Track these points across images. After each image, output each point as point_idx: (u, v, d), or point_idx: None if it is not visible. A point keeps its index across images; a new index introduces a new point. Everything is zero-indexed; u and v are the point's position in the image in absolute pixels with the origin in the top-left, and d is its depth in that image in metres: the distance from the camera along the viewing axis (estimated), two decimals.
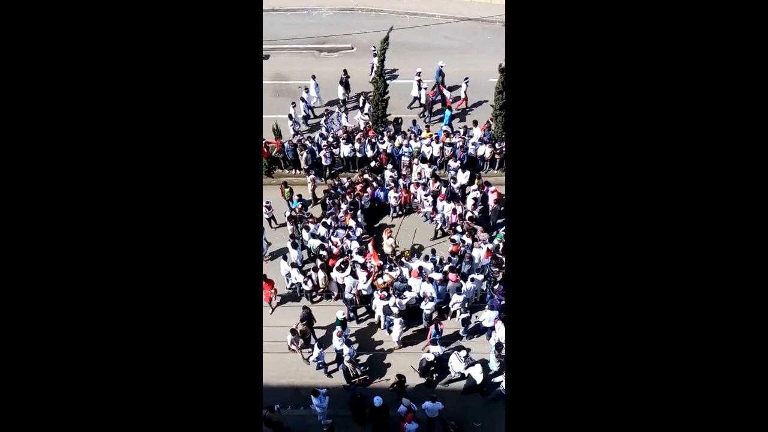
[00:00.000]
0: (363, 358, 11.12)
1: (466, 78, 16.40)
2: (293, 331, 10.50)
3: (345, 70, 16.80)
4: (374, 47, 18.02)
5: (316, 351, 10.38)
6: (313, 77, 16.39)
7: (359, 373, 10.47)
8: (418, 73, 16.29)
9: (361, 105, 15.90)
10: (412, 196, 13.80)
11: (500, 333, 10.58)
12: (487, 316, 11.00)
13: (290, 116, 15.29)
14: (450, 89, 16.66)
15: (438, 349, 10.35)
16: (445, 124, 15.43)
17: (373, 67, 17.67)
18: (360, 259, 11.76)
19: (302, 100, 16.14)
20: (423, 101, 16.51)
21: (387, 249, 12.54)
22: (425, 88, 16.19)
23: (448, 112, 15.72)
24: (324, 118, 15.52)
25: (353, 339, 11.23)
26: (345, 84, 16.77)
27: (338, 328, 10.51)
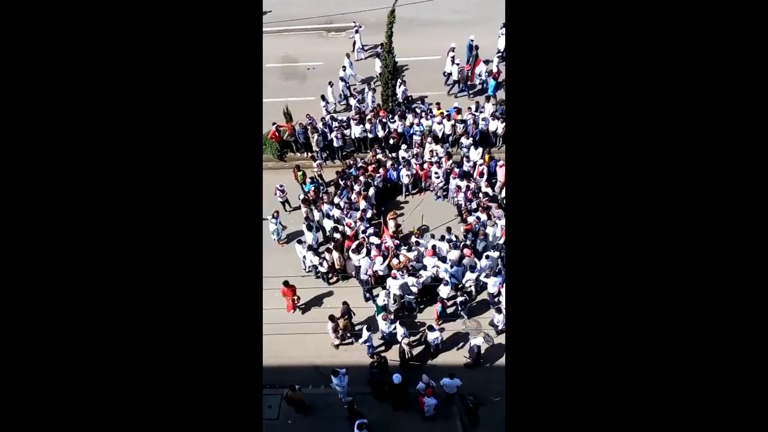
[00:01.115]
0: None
1: (499, 52, 16.11)
2: (332, 318, 10.60)
3: (382, 44, 16.61)
4: (355, 22, 17.85)
5: (365, 334, 10.48)
6: (348, 55, 16.22)
7: (413, 354, 10.49)
8: (452, 49, 16.08)
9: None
10: (426, 174, 13.76)
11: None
12: (491, 282, 11.09)
13: (323, 97, 15.20)
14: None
15: (437, 334, 10.43)
16: (491, 94, 15.30)
17: (354, 44, 17.54)
18: (375, 240, 11.83)
19: (341, 79, 16.03)
20: (456, 77, 16.29)
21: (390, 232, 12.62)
22: (458, 64, 15.98)
23: (492, 82, 15.50)
24: (358, 97, 15.47)
25: (368, 321, 11.38)
26: (384, 58, 16.68)
27: (383, 313, 10.62)
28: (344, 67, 16.13)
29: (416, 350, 10.83)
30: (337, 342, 11.04)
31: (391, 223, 12.56)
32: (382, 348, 11.07)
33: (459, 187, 12.98)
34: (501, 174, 13.15)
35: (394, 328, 10.57)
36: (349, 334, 11.04)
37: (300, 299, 11.67)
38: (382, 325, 10.50)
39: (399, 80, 15.64)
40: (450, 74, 16.45)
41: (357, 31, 17.62)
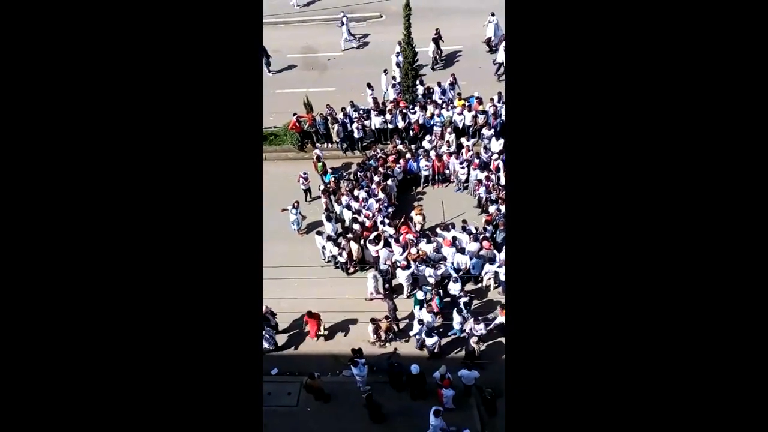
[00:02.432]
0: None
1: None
2: (374, 321, 10.61)
3: (437, 29, 16.65)
4: (342, 12, 17.78)
5: (417, 327, 10.51)
6: (399, 43, 16.14)
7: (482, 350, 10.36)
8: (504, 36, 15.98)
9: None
10: (444, 165, 13.69)
11: None
12: (503, 271, 11.05)
13: (369, 85, 15.13)
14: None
15: (435, 339, 10.35)
16: None
17: (342, 36, 17.62)
18: (391, 231, 11.86)
19: (397, 65, 16.03)
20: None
21: (416, 226, 12.59)
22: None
23: None
24: (398, 87, 15.48)
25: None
26: (436, 42, 16.74)
27: (425, 306, 10.58)
28: (398, 53, 16.02)
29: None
30: (376, 343, 10.97)
31: (418, 218, 12.53)
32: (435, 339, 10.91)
33: (480, 181, 12.89)
34: None
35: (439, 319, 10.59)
36: (389, 336, 10.94)
37: (324, 326, 11.24)
38: (427, 317, 10.49)
39: (452, 76, 15.38)
40: (501, 64, 16.23)
41: (343, 23, 17.65)
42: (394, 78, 15.86)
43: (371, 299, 11.49)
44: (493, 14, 16.70)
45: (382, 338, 10.84)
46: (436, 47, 16.78)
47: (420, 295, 10.76)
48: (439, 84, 15.14)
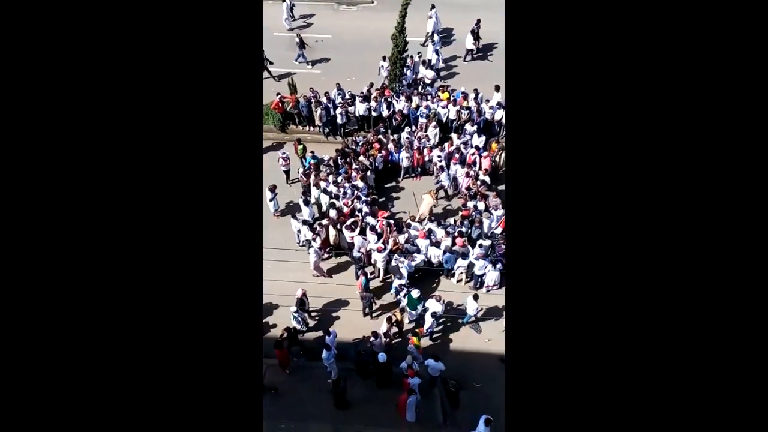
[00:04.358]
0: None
1: (428, 36, 16.13)
2: (389, 320, 10.52)
3: (478, 20, 16.42)
4: None
5: (429, 320, 10.52)
6: (432, 35, 16.00)
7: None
8: None
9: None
10: (425, 158, 13.71)
11: (489, 276, 11.37)
12: (479, 264, 11.30)
13: (384, 57, 15.14)
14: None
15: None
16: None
17: (284, 15, 17.51)
18: (372, 220, 11.85)
19: (435, 52, 15.89)
20: None
21: (424, 209, 12.54)
22: None
23: None
24: (411, 68, 15.30)
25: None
26: (475, 34, 16.54)
27: (427, 299, 10.63)
28: (424, 42, 15.84)
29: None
30: (392, 339, 10.88)
31: (426, 202, 12.49)
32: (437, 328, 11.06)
33: (442, 168, 13.05)
34: (485, 163, 13.22)
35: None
36: (396, 331, 10.89)
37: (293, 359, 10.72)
38: (437, 307, 10.53)
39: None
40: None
41: (283, 0, 17.60)
42: (428, 62, 15.70)
43: (314, 276, 11.68)
44: (433, 7, 16.67)
45: (399, 332, 10.83)
46: (475, 39, 16.61)
47: (415, 293, 10.65)
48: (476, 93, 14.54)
